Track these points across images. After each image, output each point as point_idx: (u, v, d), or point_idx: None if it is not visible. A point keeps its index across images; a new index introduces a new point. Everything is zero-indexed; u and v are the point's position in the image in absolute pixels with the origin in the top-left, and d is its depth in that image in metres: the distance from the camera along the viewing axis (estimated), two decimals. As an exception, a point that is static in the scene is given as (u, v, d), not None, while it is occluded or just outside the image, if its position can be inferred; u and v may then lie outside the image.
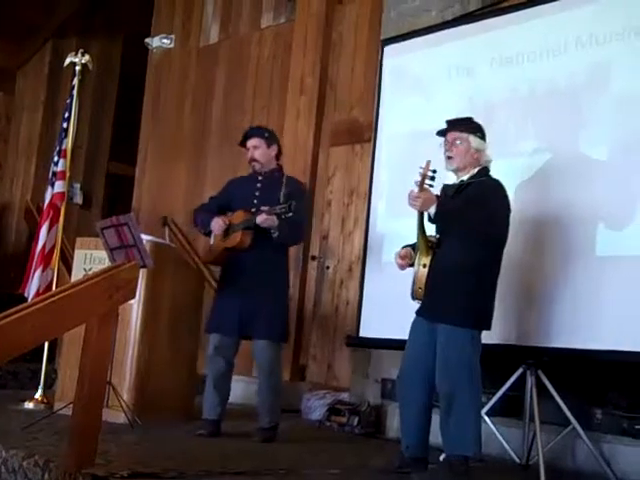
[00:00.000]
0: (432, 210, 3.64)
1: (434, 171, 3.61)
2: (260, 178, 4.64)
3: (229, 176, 7.16)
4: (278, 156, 4.72)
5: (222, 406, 4.50)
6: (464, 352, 3.59)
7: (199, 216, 4.72)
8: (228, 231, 4.53)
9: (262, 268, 4.45)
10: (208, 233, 4.65)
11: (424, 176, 3.60)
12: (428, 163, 3.61)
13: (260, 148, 4.62)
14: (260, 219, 4.34)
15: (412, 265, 3.83)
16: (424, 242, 3.75)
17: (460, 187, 3.78)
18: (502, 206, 3.72)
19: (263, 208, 4.35)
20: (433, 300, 3.71)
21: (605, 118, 4.28)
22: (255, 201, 4.55)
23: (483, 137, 3.82)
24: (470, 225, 3.67)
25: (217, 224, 4.54)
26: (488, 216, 3.65)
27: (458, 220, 3.69)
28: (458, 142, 3.79)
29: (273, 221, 4.32)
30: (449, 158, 3.80)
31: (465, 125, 3.83)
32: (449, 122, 3.87)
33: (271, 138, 4.69)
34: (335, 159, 6.39)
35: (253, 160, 4.63)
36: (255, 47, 7.32)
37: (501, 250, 3.76)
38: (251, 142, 4.64)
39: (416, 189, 3.63)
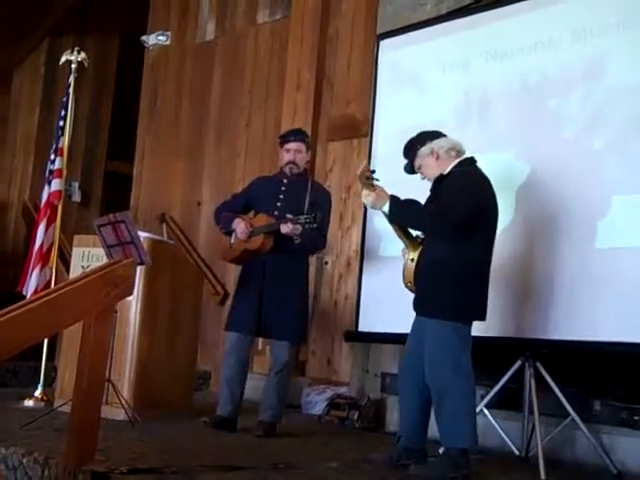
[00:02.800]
0: (385, 208, 3.67)
1: (372, 171, 3.67)
2: (285, 181, 4.65)
3: (226, 172, 7.25)
4: (308, 161, 4.82)
5: (233, 405, 4.50)
6: (449, 345, 3.60)
7: (222, 215, 4.73)
8: (251, 233, 4.54)
9: (282, 270, 4.48)
10: (229, 232, 4.66)
11: (364, 177, 3.63)
12: (365, 165, 3.70)
13: (302, 152, 4.66)
14: (285, 229, 4.36)
15: None
16: (406, 237, 3.78)
17: (437, 182, 3.80)
18: (457, 196, 3.63)
19: (288, 216, 4.36)
20: (419, 295, 3.75)
21: (600, 110, 4.28)
22: (278, 204, 4.56)
23: (435, 137, 3.81)
24: (416, 221, 3.71)
25: (241, 228, 4.54)
26: (433, 210, 3.65)
27: (406, 217, 3.71)
28: (419, 166, 3.84)
29: (297, 230, 4.34)
30: (428, 179, 3.85)
31: (412, 149, 3.85)
32: (404, 155, 3.90)
33: (309, 143, 4.78)
34: (332, 154, 6.39)
35: (293, 163, 4.62)
36: (251, 43, 7.32)
37: (481, 240, 3.70)
38: (295, 146, 4.64)
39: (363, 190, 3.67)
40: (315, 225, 4.29)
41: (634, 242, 4.04)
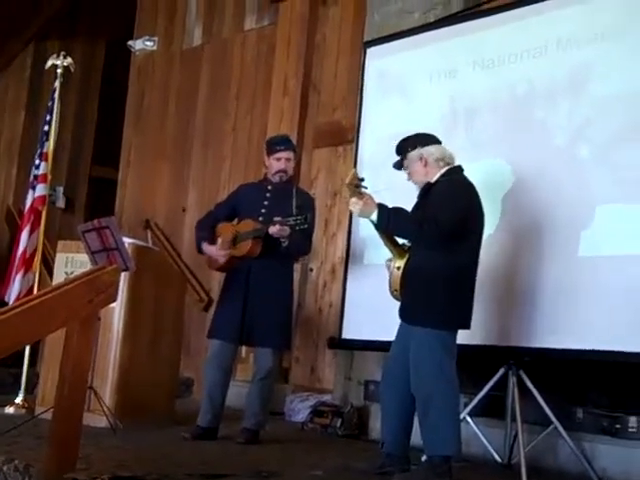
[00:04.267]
0: (373, 217, 3.66)
1: (361, 179, 3.67)
2: (270, 187, 4.65)
3: (212, 178, 7.24)
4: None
5: (213, 413, 4.48)
6: (435, 353, 3.60)
7: (198, 233, 4.74)
8: (236, 239, 4.53)
9: (267, 276, 4.47)
10: (201, 251, 4.69)
11: (352, 184, 3.63)
12: (354, 173, 3.70)
13: (291, 161, 4.68)
14: (273, 230, 4.35)
15: None
16: (393, 246, 3.78)
17: (424, 190, 3.81)
18: (444, 205, 3.64)
19: (276, 219, 4.36)
20: (404, 302, 3.75)
21: (586, 120, 4.31)
22: (263, 210, 4.57)
23: (428, 143, 3.82)
24: (404, 229, 3.71)
25: (214, 253, 4.57)
26: (421, 218, 3.65)
27: (394, 225, 3.70)
28: (407, 166, 3.85)
29: (285, 231, 4.34)
30: (414, 182, 3.86)
31: (404, 149, 3.86)
32: (396, 151, 3.90)
33: (296, 151, 4.81)
34: (318, 161, 6.39)
35: (283, 172, 4.63)
36: (238, 49, 7.32)
37: (468, 248, 3.72)
38: (285, 155, 4.64)
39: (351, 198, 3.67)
40: (306, 225, 4.29)
41: (616, 251, 4.06)
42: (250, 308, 4.46)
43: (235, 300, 4.51)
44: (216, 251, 4.58)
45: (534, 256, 4.33)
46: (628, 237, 4.03)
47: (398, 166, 3.91)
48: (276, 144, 4.70)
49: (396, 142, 3.92)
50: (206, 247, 4.63)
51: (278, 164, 4.62)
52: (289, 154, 4.65)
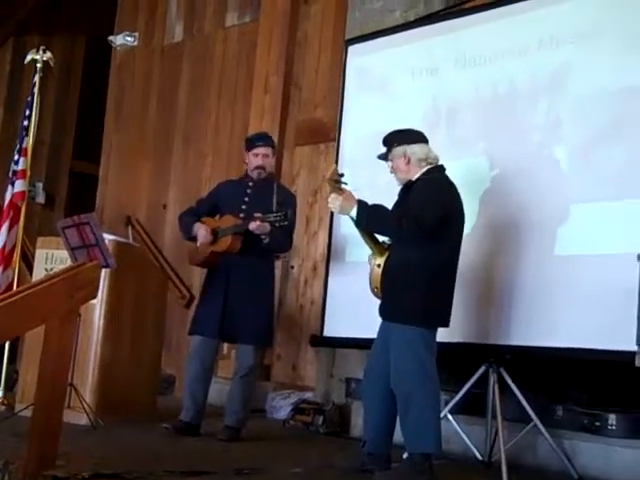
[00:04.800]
0: (353, 213, 3.67)
1: (341, 175, 3.69)
2: (251, 184, 4.65)
3: (193, 175, 7.22)
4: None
5: (195, 409, 4.48)
6: (415, 350, 3.61)
7: (183, 221, 4.72)
8: (217, 235, 4.52)
9: (247, 272, 4.47)
10: (192, 238, 4.64)
11: (332, 180, 3.65)
12: (334, 168, 3.74)
13: (269, 157, 4.68)
14: (253, 226, 4.35)
15: None
16: (373, 243, 3.79)
17: (405, 188, 3.82)
18: (425, 202, 3.65)
19: (257, 215, 4.35)
20: (384, 300, 3.76)
21: (566, 119, 4.33)
22: (244, 206, 4.56)
23: (414, 141, 3.82)
24: (383, 226, 3.71)
25: (201, 234, 4.53)
26: (401, 215, 3.65)
27: (373, 222, 3.71)
28: (391, 159, 3.85)
29: (266, 228, 4.34)
30: (395, 177, 3.87)
31: (390, 144, 3.86)
32: (383, 143, 3.90)
33: (275, 147, 4.81)
34: (299, 158, 6.39)
35: (261, 168, 4.63)
36: (220, 46, 7.29)
37: (447, 246, 3.73)
38: (263, 150, 4.65)
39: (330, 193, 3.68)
40: (286, 222, 4.29)
41: (591, 250, 4.09)
42: (230, 304, 4.46)
43: (216, 296, 4.51)
44: (203, 236, 4.52)
45: (512, 254, 4.35)
46: (604, 236, 4.06)
47: (383, 157, 3.91)
48: (254, 140, 4.73)
49: (379, 138, 3.92)
50: (198, 226, 4.56)
51: (256, 160, 4.63)
52: (266, 150, 4.65)
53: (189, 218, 4.69)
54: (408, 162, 3.81)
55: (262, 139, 4.74)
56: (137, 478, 3.20)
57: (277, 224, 4.29)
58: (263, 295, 4.56)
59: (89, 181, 8.51)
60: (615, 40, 4.20)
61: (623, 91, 4.11)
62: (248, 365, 4.48)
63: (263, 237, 4.38)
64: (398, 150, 3.82)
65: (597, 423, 4.13)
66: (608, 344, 3.87)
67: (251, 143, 4.70)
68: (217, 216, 4.68)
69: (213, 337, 4.50)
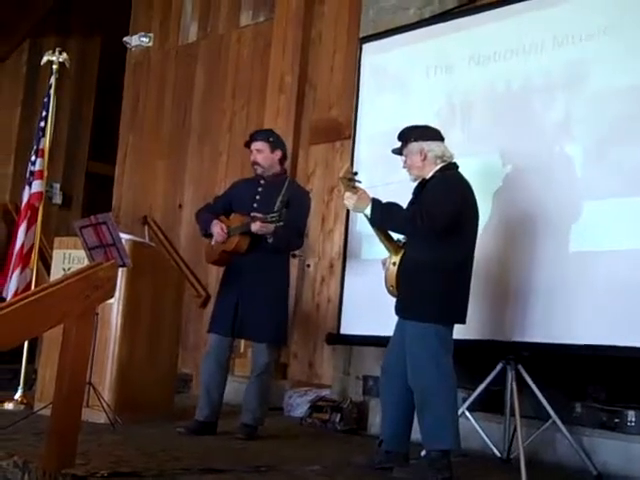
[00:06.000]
0: (367, 211, 3.66)
1: (355, 173, 3.68)
2: (262, 182, 4.64)
3: (208, 175, 7.24)
4: (282, 160, 4.71)
5: (210, 408, 4.48)
6: (430, 347, 3.61)
7: (201, 218, 4.72)
8: (228, 234, 4.53)
9: (260, 271, 4.46)
10: (208, 235, 4.64)
11: (346, 179, 3.64)
12: (348, 167, 3.72)
13: (264, 152, 4.61)
14: (255, 227, 4.35)
15: None
16: (388, 241, 3.78)
17: (420, 186, 3.81)
18: (439, 199, 3.64)
19: (258, 215, 4.35)
20: (400, 297, 3.75)
21: (580, 116, 4.31)
22: (255, 205, 4.54)
23: (431, 138, 3.81)
24: (398, 224, 3.70)
25: (216, 231, 4.53)
26: (415, 212, 3.64)
27: (387, 220, 3.70)
28: (406, 155, 3.84)
29: (268, 228, 4.33)
30: (409, 172, 3.86)
31: (406, 139, 3.84)
32: (398, 137, 3.89)
33: (276, 142, 4.67)
34: (315, 157, 6.39)
35: (255, 163, 4.63)
36: (234, 46, 7.31)
37: (462, 243, 3.72)
38: (255, 145, 4.63)
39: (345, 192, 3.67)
40: (281, 223, 4.27)
41: (606, 246, 4.07)
42: (242, 302, 4.46)
43: (229, 294, 4.52)
44: (218, 233, 4.52)
45: (526, 251, 4.34)
46: (619, 232, 4.04)
47: (398, 152, 3.90)
48: (249, 137, 4.71)
49: (393, 136, 3.91)
50: (214, 223, 4.55)
51: (251, 156, 4.64)
52: (260, 145, 4.61)
53: (206, 215, 4.70)
54: (424, 159, 3.79)
55: (255, 134, 4.72)
56: (155, 476, 3.21)
57: (274, 224, 4.29)
58: (276, 294, 4.54)
59: (105, 182, 8.56)
60: (630, 37, 4.18)
61: (637, 88, 4.09)
62: (263, 363, 4.49)
63: (267, 237, 4.38)
64: (414, 146, 3.81)
65: (616, 420, 4.11)
66: (625, 340, 3.86)
67: (248, 140, 4.70)
68: (232, 215, 4.69)
69: (227, 335, 4.51)
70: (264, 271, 4.48)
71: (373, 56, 5.45)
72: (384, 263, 3.85)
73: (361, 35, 5.73)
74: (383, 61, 5.38)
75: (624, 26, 4.21)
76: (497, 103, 4.70)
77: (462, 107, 4.84)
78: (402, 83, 5.20)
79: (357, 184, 3.67)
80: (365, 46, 5.53)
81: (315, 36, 6.58)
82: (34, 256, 5.43)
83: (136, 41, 8.11)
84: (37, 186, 5.46)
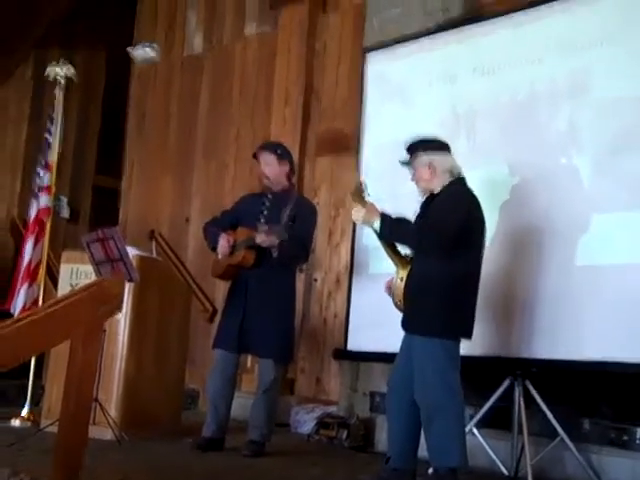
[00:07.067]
0: (376, 225, 3.66)
1: (365, 187, 3.70)
2: (269, 196, 4.63)
3: (215, 188, 7.23)
4: (290, 175, 4.68)
5: (217, 423, 4.46)
6: (438, 362, 3.59)
7: (208, 231, 4.72)
8: (233, 248, 4.52)
9: (266, 286, 4.44)
10: (215, 249, 4.63)
11: (357, 192, 3.65)
12: (359, 180, 3.74)
13: (271, 165, 4.59)
14: (259, 239, 4.34)
15: None
16: (395, 256, 3.77)
17: (427, 200, 3.81)
18: (446, 214, 3.62)
19: (262, 228, 4.34)
20: (407, 312, 3.74)
21: (586, 126, 4.31)
22: (262, 219, 4.53)
23: (440, 151, 3.80)
24: (405, 238, 3.69)
25: (222, 245, 4.52)
26: (422, 227, 3.64)
27: (395, 234, 3.69)
28: (414, 167, 3.82)
29: (272, 241, 4.31)
30: (416, 184, 3.85)
31: (415, 151, 3.83)
32: (406, 149, 3.87)
33: (283, 155, 4.64)
34: (321, 170, 6.38)
35: (264, 177, 4.61)
36: (239, 56, 7.30)
37: (469, 257, 3.70)
38: (263, 157, 4.61)
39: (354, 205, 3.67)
40: (286, 235, 4.24)
41: (614, 259, 4.06)
42: (248, 317, 4.44)
43: (235, 309, 4.51)
44: (222, 246, 4.51)
45: (533, 264, 4.33)
46: (626, 246, 4.03)
47: (406, 163, 3.89)
48: (258, 148, 4.70)
49: (398, 147, 3.89)
50: (221, 236, 4.53)
51: (259, 169, 4.62)
52: (266, 158, 4.59)
53: (213, 228, 4.69)
54: (433, 172, 3.78)
55: (263, 147, 4.71)
56: (162, 494, 3.19)
57: (279, 238, 4.26)
58: (282, 309, 4.52)
59: (112, 195, 8.56)
60: (635, 46, 4.18)
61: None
62: (269, 379, 4.46)
63: (273, 251, 4.37)
64: (424, 159, 3.79)
65: (625, 437, 4.09)
66: (634, 355, 3.83)
67: (255, 152, 4.69)
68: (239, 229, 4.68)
69: (232, 351, 4.49)
70: (270, 285, 4.46)
71: (377, 66, 5.46)
72: (389, 287, 3.83)
73: (365, 45, 5.73)
74: (387, 71, 5.39)
75: (628, 35, 4.22)
76: (502, 113, 4.70)
77: (467, 117, 4.85)
78: (406, 93, 5.21)
79: (367, 197, 3.67)
80: (369, 56, 5.54)
81: (320, 47, 6.57)
82: (42, 271, 5.42)
83: (140, 52, 8.07)
84: (45, 201, 5.46)
